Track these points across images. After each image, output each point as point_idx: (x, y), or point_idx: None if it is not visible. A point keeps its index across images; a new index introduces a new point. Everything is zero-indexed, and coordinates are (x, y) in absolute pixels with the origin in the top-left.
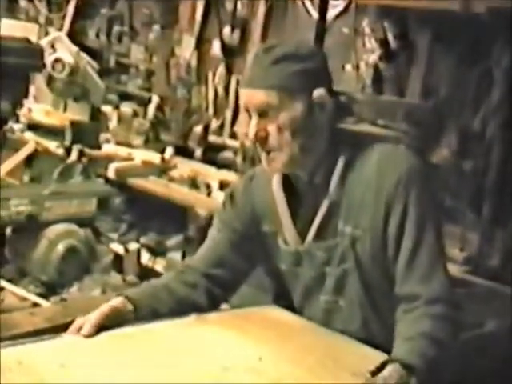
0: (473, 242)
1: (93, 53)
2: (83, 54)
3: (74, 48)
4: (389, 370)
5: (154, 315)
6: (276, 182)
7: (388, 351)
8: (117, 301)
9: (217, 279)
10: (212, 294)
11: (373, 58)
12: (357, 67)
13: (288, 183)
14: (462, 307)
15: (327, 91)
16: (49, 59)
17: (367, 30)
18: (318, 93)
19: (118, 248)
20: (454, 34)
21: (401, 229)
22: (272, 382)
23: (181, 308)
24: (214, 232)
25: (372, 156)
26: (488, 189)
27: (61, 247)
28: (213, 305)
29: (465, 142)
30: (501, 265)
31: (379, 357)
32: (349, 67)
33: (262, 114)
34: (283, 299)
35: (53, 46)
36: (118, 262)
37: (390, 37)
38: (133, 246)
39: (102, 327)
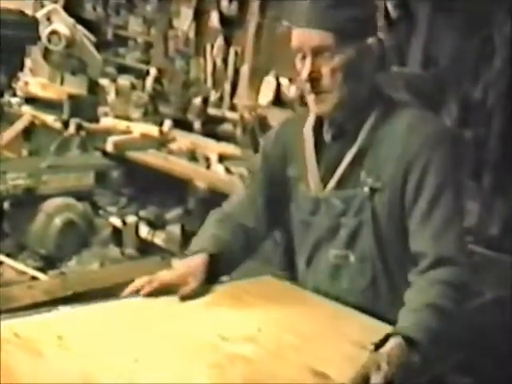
0: (473, 211)
1: (90, 25)
2: (79, 27)
3: (70, 20)
4: (391, 344)
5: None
6: (308, 126)
7: (393, 313)
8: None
9: (248, 231)
10: (244, 246)
11: None
12: None
13: (319, 130)
14: (474, 271)
15: (377, 40)
16: (44, 32)
17: None
18: (372, 41)
19: (116, 221)
20: (454, 3)
21: (420, 185)
22: (271, 352)
23: None
24: (247, 182)
25: (404, 115)
26: (488, 158)
27: (58, 221)
28: (245, 257)
29: (465, 111)
30: (501, 234)
31: (381, 328)
32: None
33: (317, 54)
34: (289, 270)
35: (49, 19)
36: (116, 236)
37: (390, 7)
38: (131, 219)
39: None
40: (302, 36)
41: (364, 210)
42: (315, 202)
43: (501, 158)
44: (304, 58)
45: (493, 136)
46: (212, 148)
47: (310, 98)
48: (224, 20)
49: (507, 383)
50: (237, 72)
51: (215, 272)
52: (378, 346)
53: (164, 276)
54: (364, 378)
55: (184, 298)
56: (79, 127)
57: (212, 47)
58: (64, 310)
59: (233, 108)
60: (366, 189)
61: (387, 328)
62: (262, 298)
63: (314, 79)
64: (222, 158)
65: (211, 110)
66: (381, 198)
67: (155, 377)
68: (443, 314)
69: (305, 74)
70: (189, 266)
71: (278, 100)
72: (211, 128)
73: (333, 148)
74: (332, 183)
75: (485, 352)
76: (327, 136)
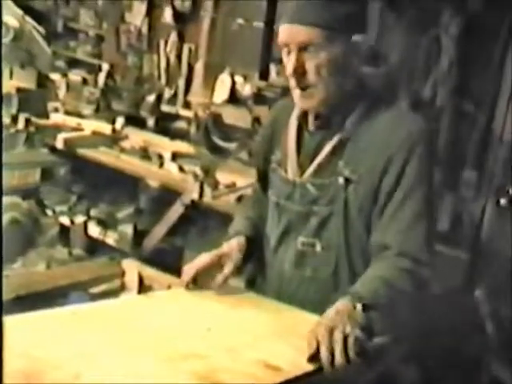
0: None
1: (39, 16)
2: (28, 18)
3: (19, 11)
4: (337, 305)
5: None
6: (294, 114)
7: None
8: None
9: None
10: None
11: None
12: None
13: (304, 118)
14: (432, 269)
15: (363, 37)
16: None
17: None
18: (358, 38)
19: (65, 220)
20: (403, 2)
21: (396, 181)
22: (222, 349)
23: None
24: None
25: (388, 112)
26: (438, 155)
27: (3, 220)
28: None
29: (416, 109)
30: (450, 229)
31: None
32: None
33: (302, 50)
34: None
35: None
36: (64, 235)
37: None
38: (79, 218)
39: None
40: (289, 32)
41: (336, 200)
42: (291, 187)
43: (450, 154)
44: (289, 53)
45: (441, 134)
46: (165, 146)
47: (296, 94)
48: (177, 16)
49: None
50: (191, 69)
51: (250, 253)
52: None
53: (199, 261)
54: (316, 339)
55: (218, 285)
56: (28, 122)
57: (165, 43)
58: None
59: (187, 105)
60: (342, 179)
61: None
62: (216, 301)
63: (299, 74)
64: (175, 156)
65: (165, 107)
66: (354, 190)
67: (105, 373)
68: (393, 288)
69: (290, 68)
70: (225, 248)
71: (233, 98)
72: (165, 125)
73: (315, 137)
74: (310, 170)
75: (432, 343)
76: (311, 126)
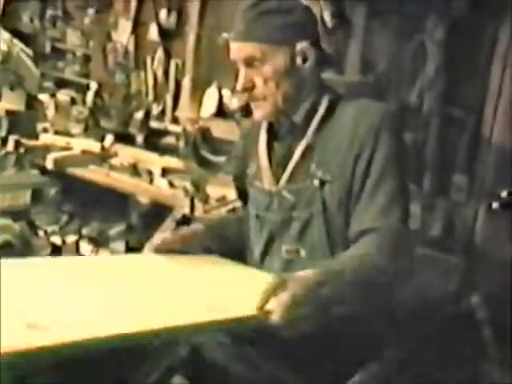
0: (415, 213)
1: (27, 38)
2: (16, 41)
3: (7, 34)
4: (299, 272)
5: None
6: (263, 126)
7: None
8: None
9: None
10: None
11: None
12: None
13: (272, 129)
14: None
15: (311, 44)
16: None
17: None
18: (301, 45)
19: (56, 240)
20: (387, 9)
21: (367, 170)
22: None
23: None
24: None
25: (349, 106)
26: (427, 160)
27: None
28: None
29: (404, 116)
30: (442, 234)
31: None
32: None
33: (249, 65)
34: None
35: None
36: (56, 255)
37: (327, 15)
38: (71, 237)
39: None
40: (234, 48)
41: (314, 202)
42: (269, 197)
43: (439, 159)
44: (237, 65)
45: (431, 139)
46: (155, 162)
47: (252, 106)
48: (163, 32)
49: None
50: (178, 84)
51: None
52: None
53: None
54: (269, 298)
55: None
56: (18, 144)
57: (152, 60)
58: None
59: (175, 121)
60: (316, 181)
61: None
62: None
63: (248, 89)
64: (165, 172)
65: (153, 124)
66: (331, 190)
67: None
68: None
69: (238, 85)
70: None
71: (221, 111)
72: (154, 141)
73: (284, 144)
74: (284, 178)
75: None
76: (280, 133)
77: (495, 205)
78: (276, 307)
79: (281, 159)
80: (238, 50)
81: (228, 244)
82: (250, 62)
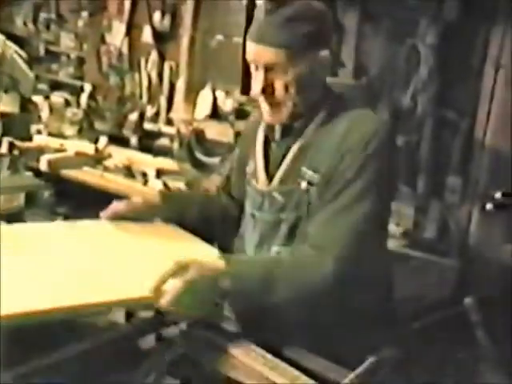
0: (409, 216)
1: (21, 41)
2: (10, 43)
3: (1, 37)
4: (209, 263)
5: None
6: (262, 127)
7: None
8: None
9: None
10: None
11: None
12: None
13: (272, 128)
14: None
15: (330, 50)
16: None
17: None
18: (324, 53)
19: None
20: (380, 12)
21: (338, 177)
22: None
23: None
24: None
25: (348, 113)
26: (421, 163)
27: None
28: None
29: (397, 119)
30: (436, 237)
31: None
32: None
33: (270, 69)
34: None
35: None
36: None
37: None
38: None
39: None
40: (255, 51)
41: (301, 205)
42: (261, 197)
43: (433, 162)
44: (257, 68)
45: (424, 142)
46: (149, 163)
47: (264, 109)
48: (157, 35)
49: None
50: (172, 86)
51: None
52: None
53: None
54: (166, 281)
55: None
56: (12, 146)
57: (146, 62)
58: None
59: (169, 122)
60: (304, 183)
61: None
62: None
63: (268, 93)
64: (159, 173)
65: (147, 125)
66: (316, 192)
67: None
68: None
69: (257, 88)
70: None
71: (215, 113)
72: (148, 143)
73: (281, 145)
74: (276, 178)
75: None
76: (277, 134)
77: (489, 206)
78: (167, 291)
79: (276, 160)
80: (261, 53)
81: (187, 221)
82: (271, 67)
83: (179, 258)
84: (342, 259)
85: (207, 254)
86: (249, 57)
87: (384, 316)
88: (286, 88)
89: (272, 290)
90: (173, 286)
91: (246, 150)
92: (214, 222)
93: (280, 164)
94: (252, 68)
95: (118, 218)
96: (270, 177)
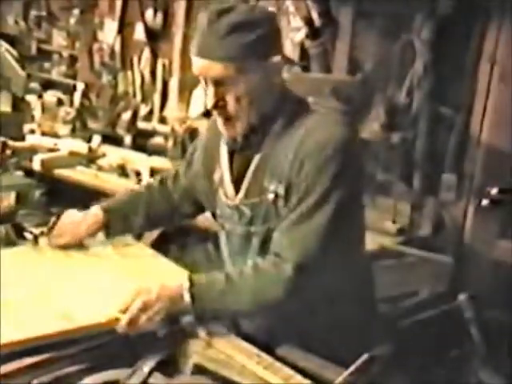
0: (405, 213)
1: (12, 40)
2: (1, 42)
3: None
4: (172, 284)
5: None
6: (223, 138)
7: None
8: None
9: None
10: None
11: (299, 36)
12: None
13: (234, 140)
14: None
15: (282, 56)
16: None
17: (291, 9)
18: (276, 59)
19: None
20: (375, 8)
21: (297, 188)
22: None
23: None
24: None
25: (307, 120)
26: (417, 159)
27: None
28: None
29: (392, 115)
30: (432, 233)
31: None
32: None
33: (219, 84)
34: None
35: None
36: None
37: (314, 14)
38: None
39: None
40: (201, 66)
41: (270, 217)
42: (230, 210)
43: (428, 158)
44: (207, 82)
45: (420, 138)
46: (143, 162)
47: (219, 123)
48: (149, 32)
49: None
50: (165, 84)
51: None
52: None
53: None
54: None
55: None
56: (4, 146)
57: (139, 60)
58: None
59: (163, 121)
60: (270, 195)
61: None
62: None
63: (220, 108)
64: (153, 172)
65: (141, 124)
66: (284, 203)
67: None
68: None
69: (209, 103)
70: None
71: (209, 111)
72: (142, 142)
73: (243, 156)
74: (242, 191)
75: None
76: (238, 145)
77: (485, 201)
78: (127, 314)
79: (240, 171)
80: (207, 68)
81: (135, 226)
82: (220, 81)
83: (142, 278)
84: (301, 265)
85: (169, 271)
86: (195, 72)
87: (364, 321)
88: (239, 100)
89: (233, 302)
90: (130, 308)
91: (211, 154)
92: (162, 220)
93: (243, 176)
94: (201, 81)
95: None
96: (236, 189)
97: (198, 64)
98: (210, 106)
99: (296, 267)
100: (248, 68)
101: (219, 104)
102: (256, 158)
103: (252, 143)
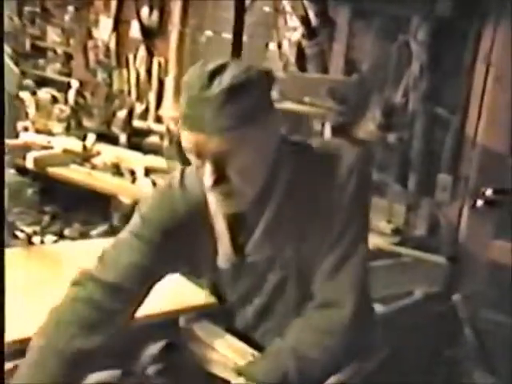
0: (400, 213)
1: (6, 36)
2: None
3: None
4: None
5: None
6: (219, 218)
7: None
8: None
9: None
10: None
11: (295, 35)
12: (279, 45)
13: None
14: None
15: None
16: None
17: (288, 8)
18: (276, 113)
19: (37, 241)
20: (371, 8)
21: (338, 233)
22: None
23: None
24: (128, 235)
25: (310, 158)
26: (412, 160)
27: None
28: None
29: (389, 116)
30: (427, 234)
31: None
32: (272, 46)
33: (218, 158)
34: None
35: None
36: None
37: (311, 14)
38: (52, 238)
39: None
40: (195, 141)
41: (289, 265)
42: (236, 268)
43: (424, 159)
44: (200, 157)
45: (416, 139)
46: (138, 161)
47: (217, 199)
48: (145, 30)
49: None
50: (161, 83)
51: None
52: None
53: None
54: None
55: None
56: None
57: (134, 58)
58: None
59: (158, 120)
60: (290, 248)
61: None
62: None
63: (222, 183)
64: (148, 172)
65: (136, 123)
66: (306, 251)
67: None
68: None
69: (209, 182)
70: None
71: None
72: (137, 141)
73: (246, 216)
74: (250, 249)
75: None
76: (239, 217)
77: (479, 202)
78: None
79: (244, 230)
80: (203, 143)
81: None
82: (220, 155)
83: None
84: (356, 306)
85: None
86: (187, 147)
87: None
88: (242, 173)
89: (300, 374)
90: None
91: (187, 210)
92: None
93: (249, 233)
94: (192, 157)
95: None
96: (236, 247)
97: (192, 139)
98: (209, 183)
99: (353, 308)
100: (250, 134)
101: (220, 180)
102: (266, 215)
103: (259, 204)
